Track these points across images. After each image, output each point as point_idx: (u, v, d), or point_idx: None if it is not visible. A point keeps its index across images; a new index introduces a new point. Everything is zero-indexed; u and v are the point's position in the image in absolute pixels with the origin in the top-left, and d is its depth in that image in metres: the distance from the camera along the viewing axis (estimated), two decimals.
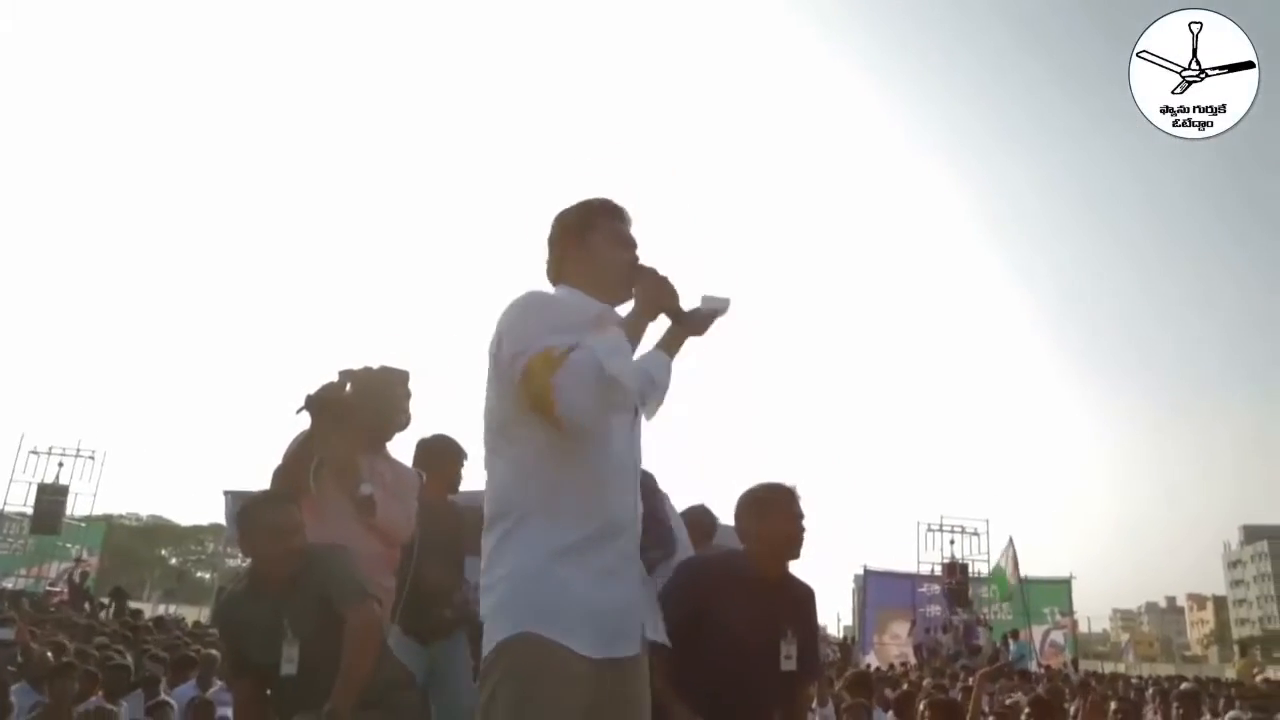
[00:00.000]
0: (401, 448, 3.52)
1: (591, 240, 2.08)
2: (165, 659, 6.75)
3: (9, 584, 19.61)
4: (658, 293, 1.98)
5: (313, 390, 3.04)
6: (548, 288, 2.11)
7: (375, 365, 3.26)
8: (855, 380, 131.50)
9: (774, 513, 2.80)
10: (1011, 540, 20.14)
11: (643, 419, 2.02)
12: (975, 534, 22.53)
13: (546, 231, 2.17)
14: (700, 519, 4.14)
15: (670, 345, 1.97)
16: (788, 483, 2.87)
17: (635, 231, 2.14)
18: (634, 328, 1.97)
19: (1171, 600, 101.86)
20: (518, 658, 1.79)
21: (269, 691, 2.76)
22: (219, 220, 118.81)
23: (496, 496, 1.93)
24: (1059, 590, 22.78)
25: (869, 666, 14.24)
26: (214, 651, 6.67)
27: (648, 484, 2.71)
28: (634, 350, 1.93)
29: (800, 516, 2.81)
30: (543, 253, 2.17)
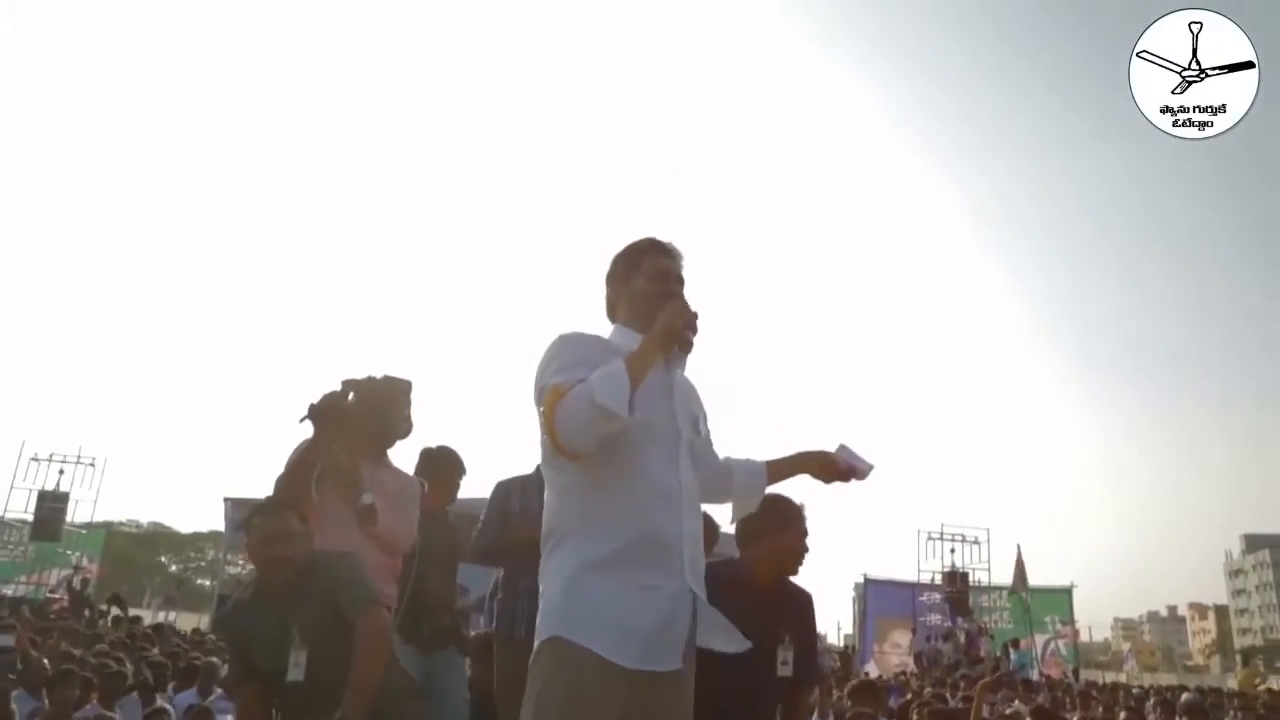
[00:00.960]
0: (405, 456, 3.53)
1: (635, 279, 2.23)
2: (167, 666, 6.75)
3: (9, 590, 19.61)
4: (671, 321, 2.02)
5: (315, 399, 3.06)
6: (603, 323, 2.27)
7: (378, 375, 3.27)
8: (855, 387, 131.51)
9: (783, 527, 2.84)
10: (1020, 550, 20.21)
11: (699, 444, 2.22)
12: (976, 542, 22.51)
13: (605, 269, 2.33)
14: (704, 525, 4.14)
15: (637, 362, 1.98)
16: (796, 498, 2.91)
17: (683, 268, 2.25)
18: (640, 354, 1.99)
19: (1173, 609, 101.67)
20: (549, 659, 1.94)
21: (274, 698, 2.76)
22: (221, 226, 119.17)
23: (547, 519, 2.10)
24: (1060, 599, 22.76)
25: (867, 675, 14.22)
26: (214, 659, 6.68)
27: None
28: (638, 377, 1.96)
29: (806, 534, 2.85)
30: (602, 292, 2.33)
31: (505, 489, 3.48)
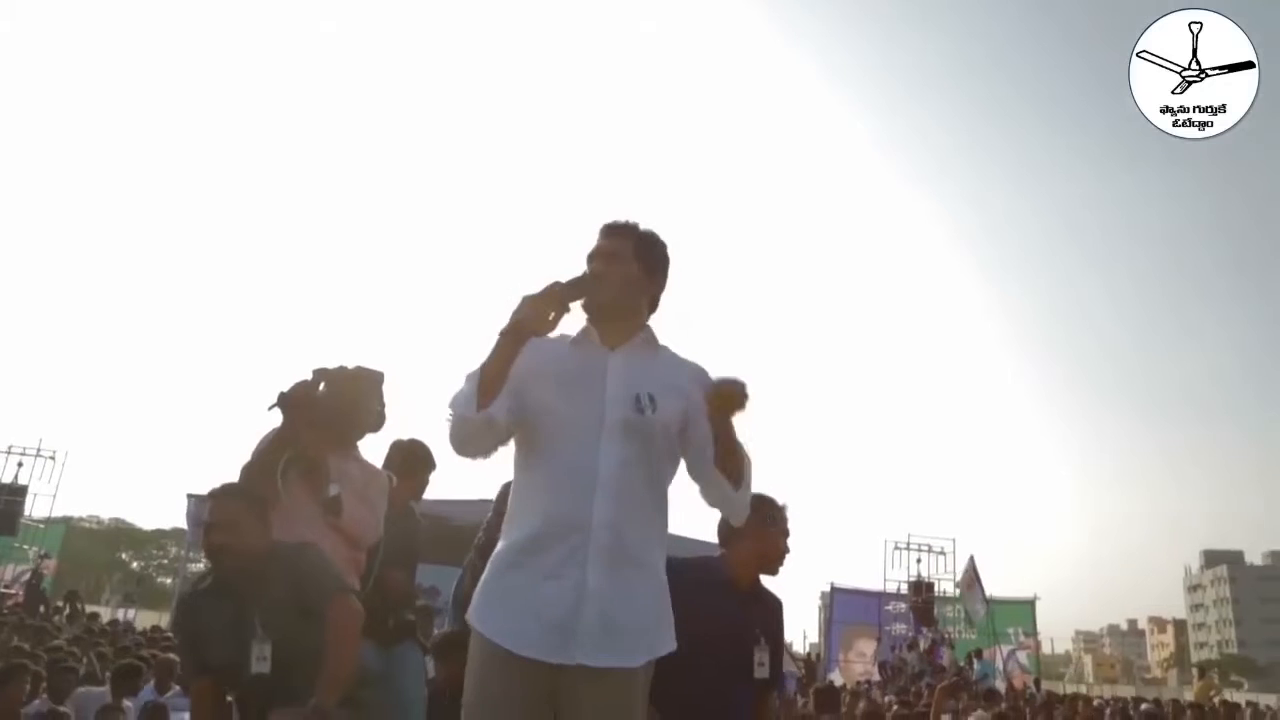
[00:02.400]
0: (377, 449, 3.48)
1: None
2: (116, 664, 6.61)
3: None
4: (519, 312, 1.99)
5: (285, 388, 3.01)
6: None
7: (350, 365, 3.22)
8: (824, 397, 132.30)
9: (767, 526, 2.83)
10: (972, 559, 20.32)
11: (646, 423, 2.05)
12: (942, 553, 22.65)
13: None
14: None
15: (486, 359, 1.99)
16: (779, 499, 2.91)
17: (622, 238, 2.16)
18: (490, 351, 2.00)
19: (1133, 623, 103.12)
20: (470, 647, 2.01)
21: (231, 692, 2.71)
22: (186, 218, 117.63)
23: None
24: (1023, 610, 22.94)
25: (831, 683, 14.24)
26: (171, 656, 6.56)
27: None
28: (489, 371, 1.98)
29: (788, 535, 2.85)
30: None
31: (508, 489, 3.45)
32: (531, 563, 1.96)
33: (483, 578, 2.05)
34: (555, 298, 2.00)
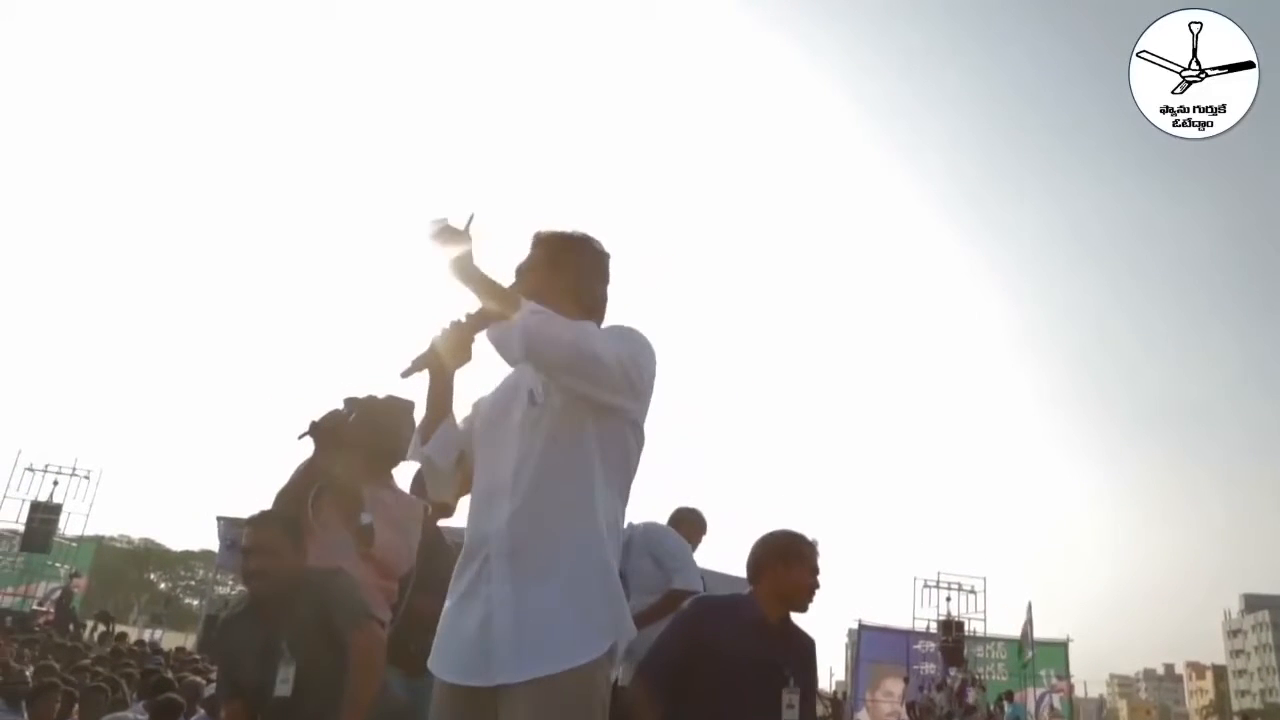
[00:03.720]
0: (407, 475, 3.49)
1: None
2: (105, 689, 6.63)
3: None
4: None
5: (317, 417, 3.04)
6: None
7: (380, 394, 3.24)
8: (854, 434, 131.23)
9: (796, 562, 2.83)
10: (1030, 608, 20.19)
11: (540, 411, 1.96)
12: (972, 592, 22.31)
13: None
14: (688, 516, 4.49)
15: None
16: (809, 534, 2.91)
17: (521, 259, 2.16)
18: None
19: (1170, 668, 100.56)
20: None
21: (257, 716, 2.72)
22: (224, 243, 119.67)
23: None
24: (1056, 653, 22.50)
25: None
26: (197, 678, 6.59)
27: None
28: (431, 409, 2.07)
29: (818, 571, 2.83)
30: None
31: None
32: (455, 587, 1.96)
33: None
34: (466, 327, 2.00)
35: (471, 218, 1.93)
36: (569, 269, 2.11)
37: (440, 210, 1.93)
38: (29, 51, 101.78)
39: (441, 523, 3.95)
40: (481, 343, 2.01)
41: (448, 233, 1.89)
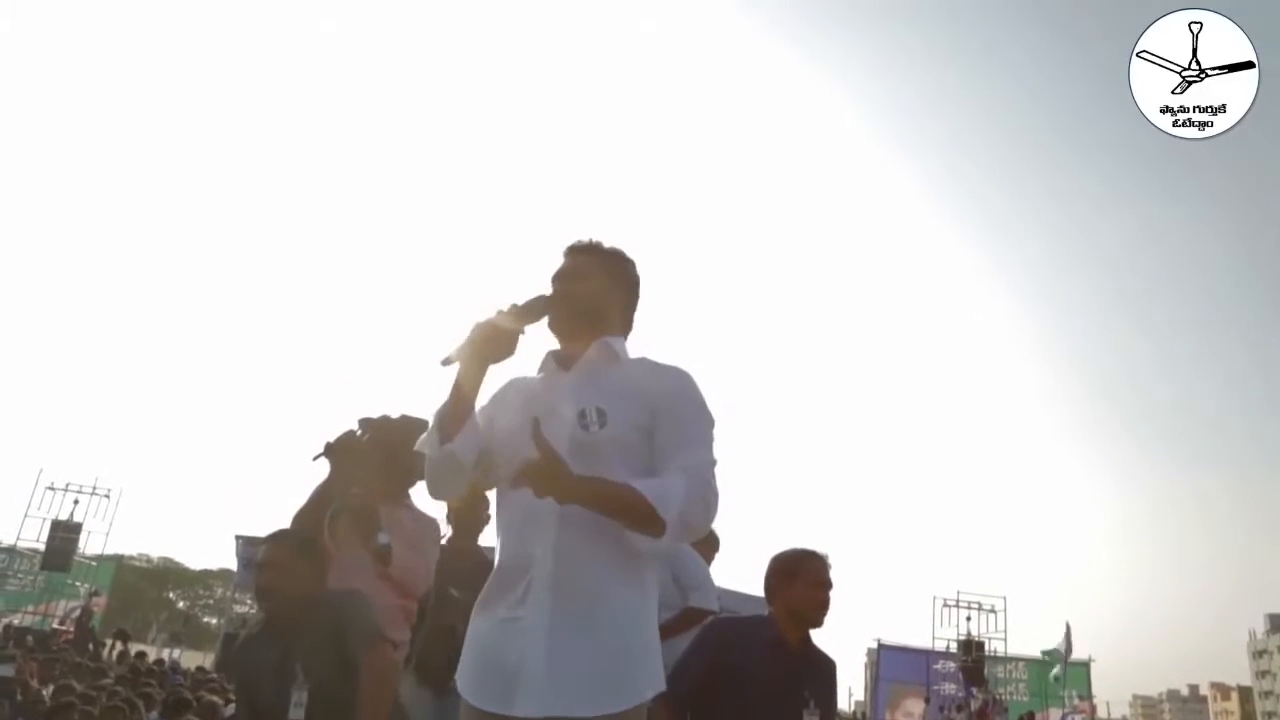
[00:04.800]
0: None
1: None
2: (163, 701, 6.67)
3: (15, 620, 19.55)
4: (471, 348, 1.93)
5: (332, 438, 3.06)
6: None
7: (395, 414, 3.26)
8: (872, 453, 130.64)
9: (803, 577, 2.82)
10: (1069, 627, 20.06)
11: (594, 440, 1.89)
12: (992, 611, 22.09)
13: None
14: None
15: (450, 395, 1.94)
16: (819, 549, 2.90)
17: (568, 261, 2.08)
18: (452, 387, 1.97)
19: (1194, 689, 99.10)
20: None
21: None
22: (243, 261, 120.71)
23: None
24: (1078, 673, 22.24)
25: None
26: (214, 698, 6.61)
27: None
28: (451, 410, 1.93)
29: (828, 585, 2.83)
30: None
31: None
32: (489, 608, 1.89)
33: None
34: (510, 320, 1.92)
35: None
36: (625, 285, 2.09)
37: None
38: (30, 51, 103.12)
39: None
40: (528, 337, 1.96)
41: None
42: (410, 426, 3.27)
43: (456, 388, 1.90)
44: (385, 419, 3.22)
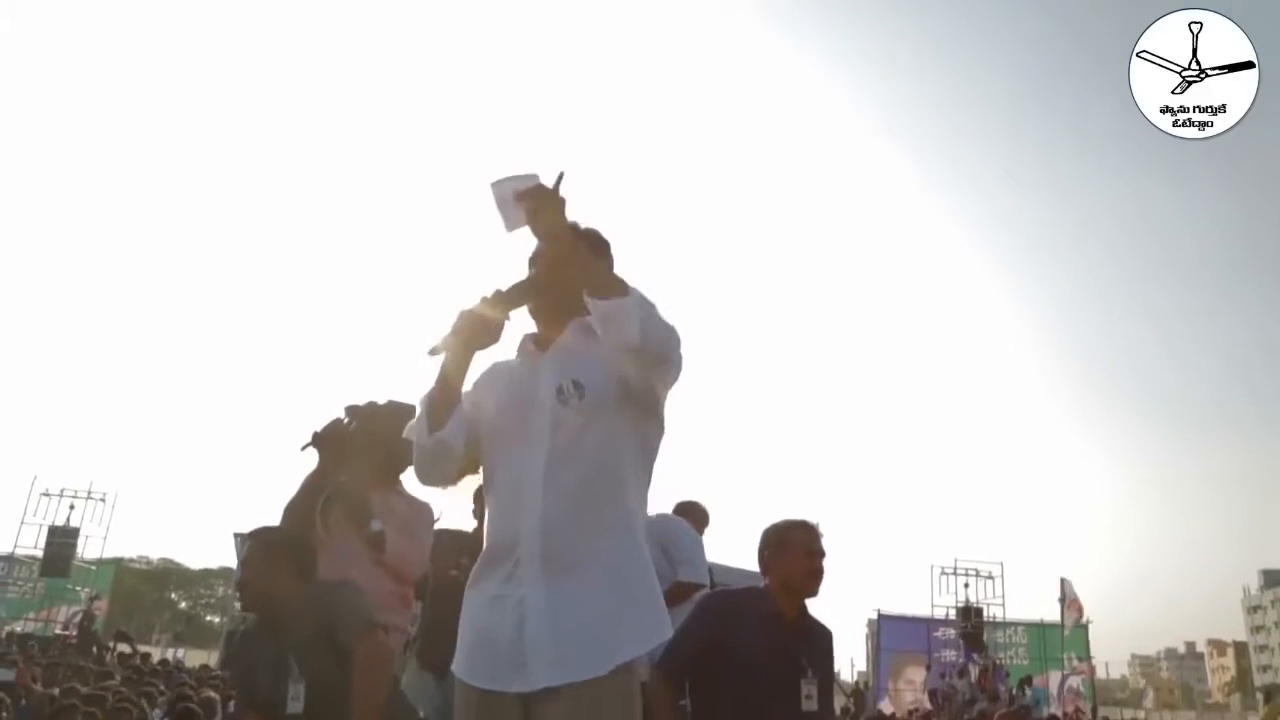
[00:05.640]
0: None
1: None
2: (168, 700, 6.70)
3: (18, 627, 19.55)
4: (455, 334, 1.93)
5: (319, 428, 3.05)
6: None
7: (382, 401, 3.25)
8: (865, 423, 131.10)
9: (794, 547, 2.83)
10: (1064, 583, 20.25)
11: (569, 413, 1.92)
12: (990, 577, 22.29)
13: None
14: (690, 509, 4.56)
15: (436, 383, 1.94)
16: (810, 519, 2.90)
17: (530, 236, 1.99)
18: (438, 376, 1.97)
19: (1191, 646, 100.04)
20: None
21: None
22: (233, 260, 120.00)
23: None
24: (1076, 635, 22.44)
25: (881, 713, 14.01)
26: (213, 694, 6.64)
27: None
28: (439, 397, 1.93)
29: (820, 554, 2.83)
30: None
31: None
32: (480, 590, 1.92)
33: None
34: (494, 307, 1.94)
35: (561, 176, 1.85)
36: (607, 260, 2.09)
37: (520, 169, 1.83)
38: (30, 52, 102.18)
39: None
40: (514, 323, 1.96)
41: (538, 193, 1.83)
42: (398, 413, 3.26)
43: (444, 376, 1.92)
44: (372, 406, 3.21)
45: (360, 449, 3.08)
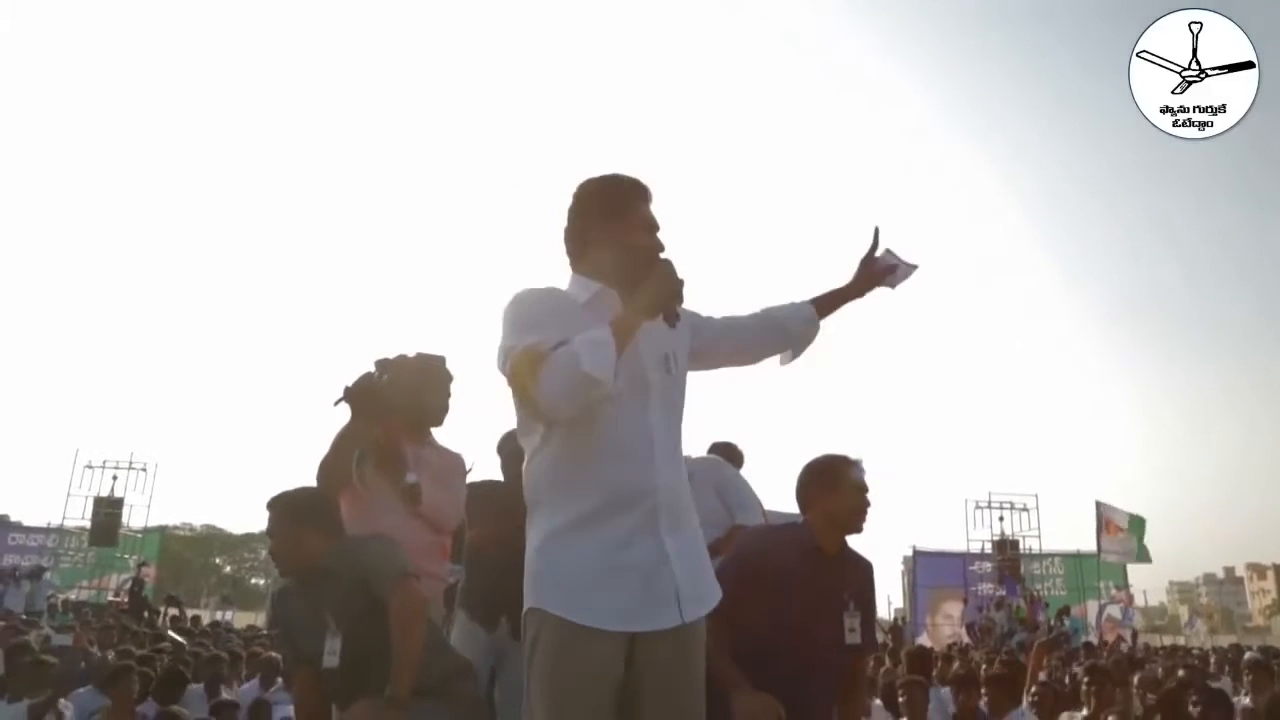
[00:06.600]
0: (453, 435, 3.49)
1: (619, 226, 2.06)
2: (224, 660, 6.87)
3: (72, 595, 20.13)
4: (665, 293, 1.96)
5: (350, 382, 3.04)
6: (562, 270, 2.14)
7: (410, 353, 3.24)
8: (895, 358, 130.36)
9: (839, 483, 2.78)
10: (1099, 506, 20.13)
11: (671, 383, 2.11)
12: (1025, 509, 22.24)
13: (568, 203, 2.14)
14: (725, 450, 4.58)
15: (623, 331, 1.90)
16: (852, 454, 2.85)
17: (656, 211, 2.13)
18: (626, 325, 1.91)
19: (1230, 570, 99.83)
20: (533, 630, 1.96)
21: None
22: (268, 230, 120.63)
23: (524, 488, 2.08)
24: (1114, 564, 22.43)
25: (923, 647, 14.09)
26: (273, 654, 6.79)
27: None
28: (623, 346, 1.88)
29: (865, 489, 2.78)
30: (562, 225, 2.14)
31: (480, 489, 3.52)
32: (599, 536, 1.93)
33: (536, 558, 1.99)
34: (680, 290, 1.99)
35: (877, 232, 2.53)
36: None
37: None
38: (34, 46, 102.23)
39: None
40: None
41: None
42: (428, 366, 3.26)
43: (628, 328, 1.91)
44: (402, 358, 3.20)
45: (393, 403, 3.07)
